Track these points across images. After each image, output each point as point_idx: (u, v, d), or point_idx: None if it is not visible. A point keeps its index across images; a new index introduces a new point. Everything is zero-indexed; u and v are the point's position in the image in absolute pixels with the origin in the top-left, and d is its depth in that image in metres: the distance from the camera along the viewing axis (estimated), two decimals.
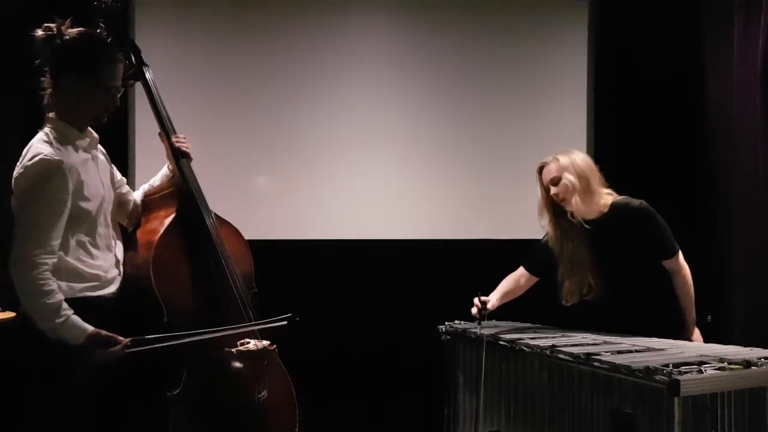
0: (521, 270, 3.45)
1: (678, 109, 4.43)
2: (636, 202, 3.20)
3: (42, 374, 2.55)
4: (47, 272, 2.48)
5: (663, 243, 3.17)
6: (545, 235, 3.37)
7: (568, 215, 3.23)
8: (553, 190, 3.22)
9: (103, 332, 2.54)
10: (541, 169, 3.28)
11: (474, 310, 3.28)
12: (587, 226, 3.18)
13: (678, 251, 3.20)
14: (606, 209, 3.21)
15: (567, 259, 3.26)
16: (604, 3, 4.54)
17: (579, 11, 4.58)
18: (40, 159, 2.50)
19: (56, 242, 2.51)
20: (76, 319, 2.51)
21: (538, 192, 3.31)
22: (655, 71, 4.45)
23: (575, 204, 3.18)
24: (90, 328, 2.52)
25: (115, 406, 2.72)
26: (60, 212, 2.51)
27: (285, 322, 2.80)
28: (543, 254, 3.36)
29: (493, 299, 3.33)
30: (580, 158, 3.25)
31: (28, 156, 2.53)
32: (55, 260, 2.51)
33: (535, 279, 3.43)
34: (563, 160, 3.22)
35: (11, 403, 2.68)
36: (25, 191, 2.51)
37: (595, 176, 3.23)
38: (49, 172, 2.49)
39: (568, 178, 3.18)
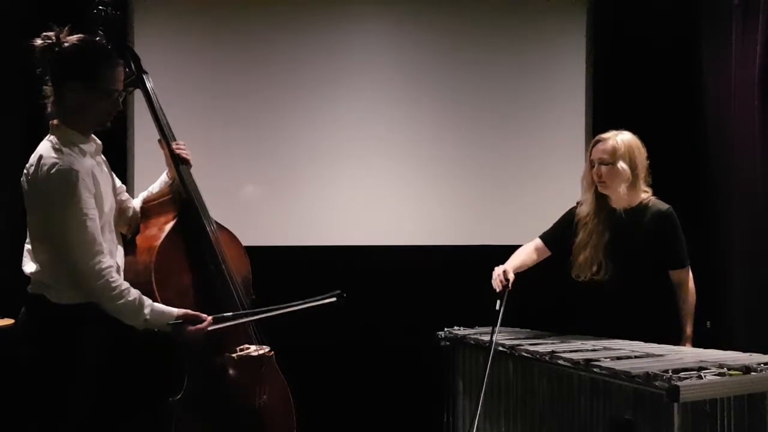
0: (537, 241, 3.44)
1: (677, 111, 4.44)
2: (665, 206, 3.24)
3: (42, 380, 2.55)
4: (113, 274, 2.56)
5: (677, 252, 3.21)
6: (569, 211, 3.39)
7: (607, 197, 3.26)
8: (598, 169, 3.22)
9: (190, 311, 2.68)
10: (596, 143, 3.27)
11: (497, 285, 3.20)
12: (624, 216, 3.21)
13: (688, 265, 3.24)
14: (636, 203, 3.24)
15: (587, 234, 3.27)
16: (603, 5, 4.55)
17: (578, 13, 4.59)
18: (58, 169, 2.50)
19: (104, 242, 2.57)
20: (159, 305, 2.64)
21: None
22: (653, 73, 4.46)
23: (619, 192, 3.20)
24: (175, 309, 2.65)
25: (116, 412, 2.72)
26: (94, 214, 2.55)
27: (334, 299, 2.86)
28: (562, 229, 3.39)
29: (511, 274, 3.23)
30: (637, 148, 3.24)
31: (44, 168, 2.51)
32: (110, 259, 2.58)
33: (548, 253, 3.42)
34: (621, 146, 3.20)
35: (12, 409, 2.68)
36: (54, 206, 2.51)
37: (644, 171, 3.25)
38: (71, 179, 2.50)
39: (622, 166, 3.18)
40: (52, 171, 2.49)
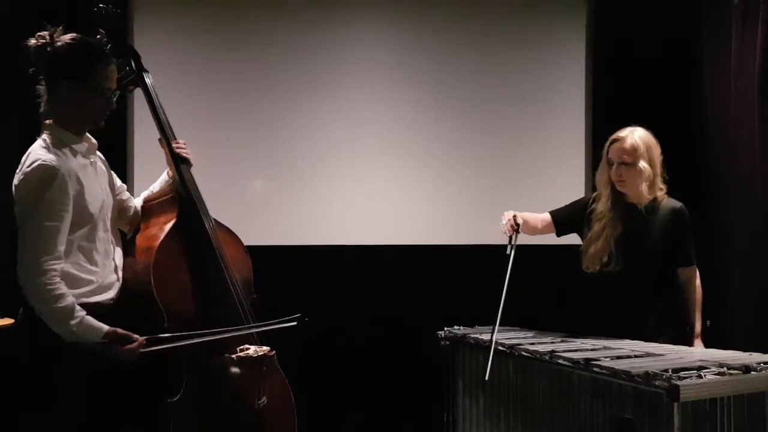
0: (546, 214, 3.47)
1: (676, 113, 4.44)
2: (678, 203, 3.28)
3: (39, 380, 2.56)
4: (56, 277, 2.50)
5: (687, 250, 3.25)
6: (584, 199, 3.43)
7: (624, 194, 3.28)
8: (618, 169, 3.22)
9: (120, 330, 2.57)
10: (613, 142, 3.27)
11: (507, 229, 3.21)
12: (640, 210, 3.23)
13: (695, 264, 3.27)
14: (651, 199, 3.26)
15: (600, 227, 3.28)
16: (603, 6, 4.56)
17: (578, 13, 4.59)
18: (39, 165, 2.51)
19: (62, 247, 2.52)
20: (90, 319, 2.54)
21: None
22: (653, 75, 4.47)
23: (640, 189, 3.22)
24: (105, 326, 2.55)
25: (115, 413, 2.72)
26: (63, 217, 2.52)
27: (294, 323, 2.82)
28: (572, 212, 3.42)
29: (520, 219, 3.26)
30: (654, 144, 3.26)
31: (27, 162, 2.54)
32: (62, 265, 2.52)
33: (552, 229, 3.46)
34: (640, 144, 3.21)
35: (9, 410, 2.68)
36: (26, 198, 2.52)
37: (660, 166, 3.27)
38: (49, 177, 2.50)
39: (643, 165, 3.20)
40: (32, 167, 2.51)
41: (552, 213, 3.47)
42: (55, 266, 2.50)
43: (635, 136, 3.23)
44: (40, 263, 2.48)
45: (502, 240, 3.39)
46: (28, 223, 2.52)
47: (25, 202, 2.53)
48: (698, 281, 3.29)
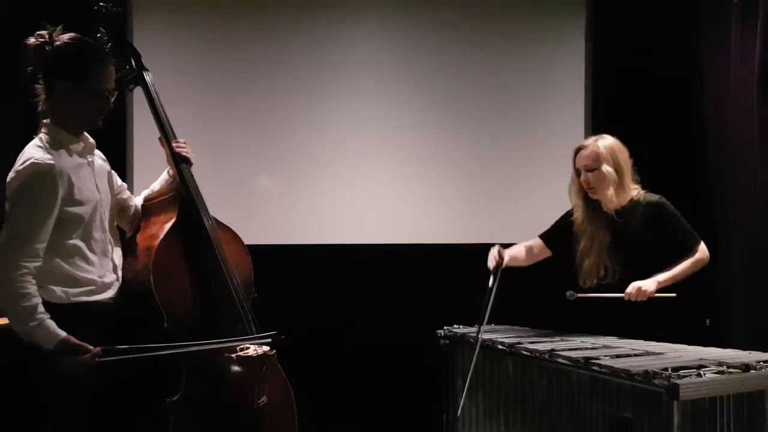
0: (536, 240, 3.49)
1: (675, 114, 4.45)
2: (655, 197, 3.29)
3: (38, 379, 2.55)
4: (27, 275, 2.48)
5: (680, 238, 3.24)
6: (568, 212, 3.43)
7: (598, 202, 3.29)
8: (585, 176, 3.27)
9: (73, 339, 2.49)
10: (578, 151, 3.32)
11: (491, 263, 3.27)
12: (616, 217, 3.24)
13: (700, 242, 3.26)
14: (626, 202, 3.27)
15: (588, 240, 3.30)
16: (602, 8, 4.56)
17: (577, 13, 4.59)
18: (31, 163, 2.52)
19: (40, 245, 2.51)
20: (50, 323, 2.48)
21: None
22: (652, 76, 4.47)
23: (608, 195, 3.24)
24: (62, 333, 2.48)
25: (113, 412, 2.72)
26: (46, 216, 2.52)
27: (269, 340, 2.81)
28: (559, 231, 3.44)
29: (505, 252, 3.32)
30: (619, 149, 3.29)
31: (20, 161, 2.55)
32: (39, 264, 2.51)
33: (547, 252, 3.48)
34: (603, 149, 3.25)
35: (11, 408, 2.68)
36: (14, 194, 2.53)
37: (630, 170, 3.29)
38: (38, 175, 2.51)
39: (606, 169, 3.23)
40: (24, 165, 2.52)
41: (542, 236, 3.49)
42: (28, 264, 2.48)
43: (598, 142, 3.28)
44: (14, 258, 2.47)
45: (502, 239, 3.41)
46: (10, 218, 2.52)
47: (13, 199, 2.53)
48: (705, 255, 3.26)
